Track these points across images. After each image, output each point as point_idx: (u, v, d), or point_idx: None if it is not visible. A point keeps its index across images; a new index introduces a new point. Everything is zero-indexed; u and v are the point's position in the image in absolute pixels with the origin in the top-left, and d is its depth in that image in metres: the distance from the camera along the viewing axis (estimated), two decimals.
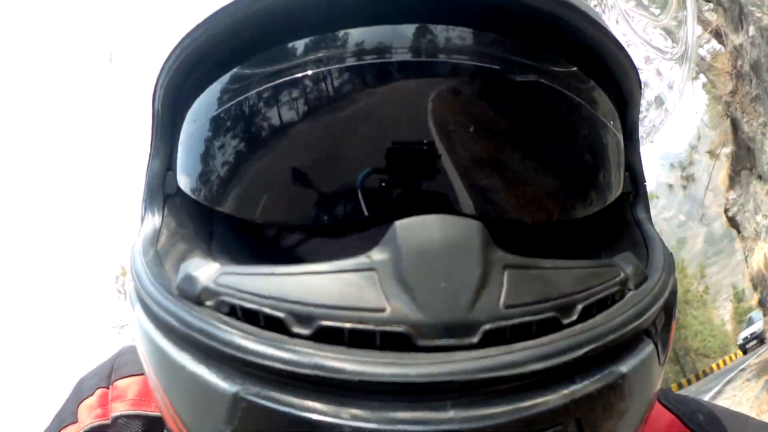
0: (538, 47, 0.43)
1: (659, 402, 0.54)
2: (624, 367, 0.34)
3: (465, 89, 0.42)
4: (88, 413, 0.54)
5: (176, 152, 0.46)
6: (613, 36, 0.45)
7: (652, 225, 0.47)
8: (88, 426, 0.53)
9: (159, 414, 0.52)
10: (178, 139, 0.46)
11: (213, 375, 0.32)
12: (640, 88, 0.49)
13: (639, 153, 0.51)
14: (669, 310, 0.40)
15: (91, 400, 0.56)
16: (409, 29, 0.41)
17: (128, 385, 0.55)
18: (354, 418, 0.29)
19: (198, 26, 0.41)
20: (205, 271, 0.35)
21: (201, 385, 0.32)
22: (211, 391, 0.32)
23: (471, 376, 0.29)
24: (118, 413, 0.53)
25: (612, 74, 0.47)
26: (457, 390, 0.30)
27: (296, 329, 0.31)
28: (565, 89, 0.44)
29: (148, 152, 0.48)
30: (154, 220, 0.44)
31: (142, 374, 0.54)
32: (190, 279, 0.35)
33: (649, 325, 0.37)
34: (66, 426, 0.55)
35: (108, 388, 0.56)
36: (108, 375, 0.57)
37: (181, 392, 0.34)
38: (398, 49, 0.41)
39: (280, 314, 0.32)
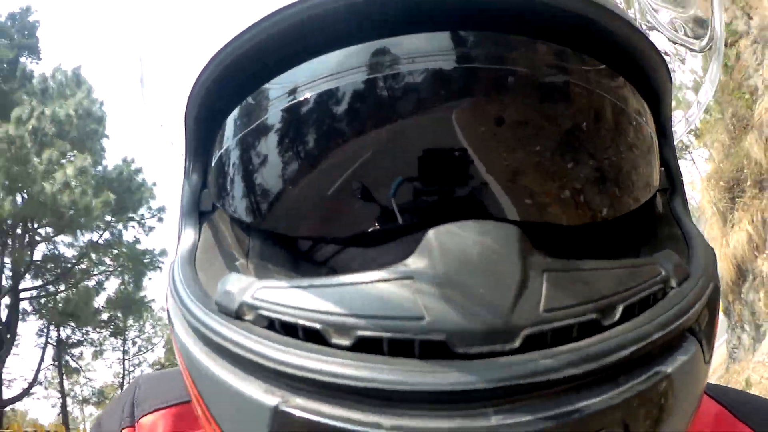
0: (566, 47, 0.43)
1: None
2: (669, 367, 0.33)
3: (494, 93, 0.42)
4: None
5: (210, 169, 0.47)
6: (641, 31, 0.45)
7: (692, 221, 0.46)
8: None
9: None
10: (212, 157, 0.47)
11: (253, 388, 0.32)
12: (671, 83, 0.49)
13: (673, 148, 0.50)
14: (712, 307, 0.39)
15: None
16: (436, 37, 0.41)
17: (155, 422, 0.52)
18: (395, 428, 0.29)
19: (228, 43, 0.42)
20: (243, 286, 0.36)
21: (241, 399, 0.32)
22: (252, 405, 0.32)
23: (512, 382, 0.29)
24: None
25: (642, 70, 0.46)
26: (498, 396, 0.29)
27: (335, 340, 0.31)
28: (596, 88, 0.44)
29: (183, 171, 0.49)
30: (190, 238, 0.45)
31: (166, 407, 0.53)
32: (228, 294, 0.36)
33: (692, 323, 0.36)
34: None
35: (133, 427, 0.53)
36: (130, 412, 0.54)
37: (221, 407, 0.35)
38: (426, 57, 0.41)
39: (318, 326, 0.32)
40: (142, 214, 16.94)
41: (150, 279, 17.87)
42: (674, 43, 0.56)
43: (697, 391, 0.37)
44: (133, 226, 16.94)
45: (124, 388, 0.60)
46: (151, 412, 0.53)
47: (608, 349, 0.31)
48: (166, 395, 0.54)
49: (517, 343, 0.30)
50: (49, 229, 14.86)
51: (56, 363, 17.74)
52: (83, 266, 16.49)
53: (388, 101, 0.41)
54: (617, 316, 0.33)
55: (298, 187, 0.42)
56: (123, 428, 0.53)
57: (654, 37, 0.47)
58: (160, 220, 17.15)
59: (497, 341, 0.30)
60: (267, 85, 0.44)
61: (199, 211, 0.47)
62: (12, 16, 15.43)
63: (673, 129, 0.51)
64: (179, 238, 0.46)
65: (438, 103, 0.41)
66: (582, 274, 0.34)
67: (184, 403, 0.53)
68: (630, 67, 0.46)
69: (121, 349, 20.79)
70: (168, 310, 0.42)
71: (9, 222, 13.87)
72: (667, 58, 0.48)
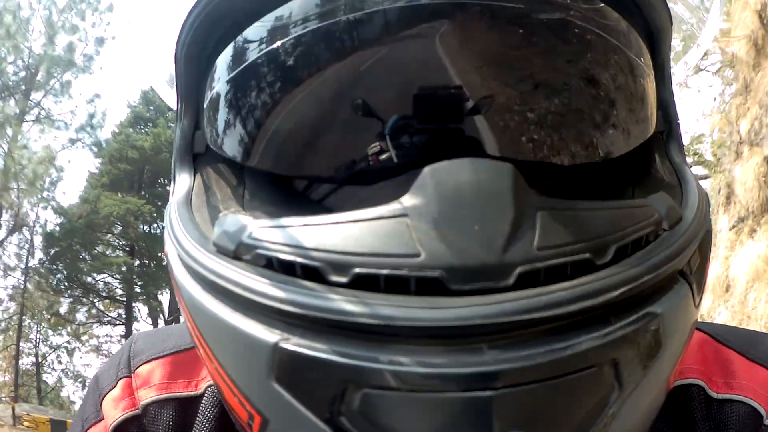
0: None
1: None
2: (659, 308, 0.33)
3: (490, 30, 0.41)
4: (114, 406, 0.52)
5: (202, 111, 0.47)
6: None
7: (687, 164, 0.46)
8: (118, 419, 0.51)
9: (190, 393, 0.51)
10: (204, 99, 0.47)
11: (253, 326, 0.33)
12: (671, 23, 0.48)
13: (671, 90, 0.49)
14: (704, 250, 0.39)
15: (115, 393, 0.53)
16: None
17: (152, 370, 0.53)
18: (392, 362, 0.30)
19: None
20: (240, 226, 0.36)
21: (242, 337, 0.33)
22: (253, 343, 0.33)
23: (505, 318, 0.30)
24: (147, 400, 0.51)
25: (640, 9, 0.45)
26: (492, 332, 0.30)
27: (332, 278, 0.32)
28: (593, 26, 0.43)
29: (176, 114, 0.48)
30: (185, 181, 0.45)
31: (162, 356, 0.53)
32: (225, 235, 0.36)
33: (684, 266, 0.36)
34: (92, 425, 0.52)
35: (130, 377, 0.53)
36: (126, 364, 0.54)
37: (224, 346, 0.36)
38: None
39: (316, 263, 0.32)
40: None
41: None
42: None
43: (686, 333, 0.37)
44: None
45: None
46: (147, 362, 0.53)
47: (600, 288, 0.32)
48: (161, 346, 0.54)
49: (511, 281, 0.31)
50: None
51: None
52: None
53: (381, 38, 0.41)
54: (610, 256, 0.33)
55: (291, 125, 0.42)
56: (120, 378, 0.53)
57: None
58: None
59: (491, 278, 0.30)
60: (257, 23, 0.43)
61: (192, 154, 0.47)
62: None
63: (671, 71, 0.50)
64: (174, 181, 0.46)
65: (432, 40, 0.40)
66: (576, 213, 0.34)
67: (179, 352, 0.54)
68: (628, 5, 0.45)
69: None
70: (166, 254, 0.42)
71: None
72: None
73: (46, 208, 18.09)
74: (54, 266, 18.81)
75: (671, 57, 0.49)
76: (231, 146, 0.44)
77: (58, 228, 18.46)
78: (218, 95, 0.45)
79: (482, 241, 0.31)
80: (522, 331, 0.30)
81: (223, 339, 0.35)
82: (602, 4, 0.43)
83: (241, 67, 0.43)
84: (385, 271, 0.31)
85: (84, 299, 20.02)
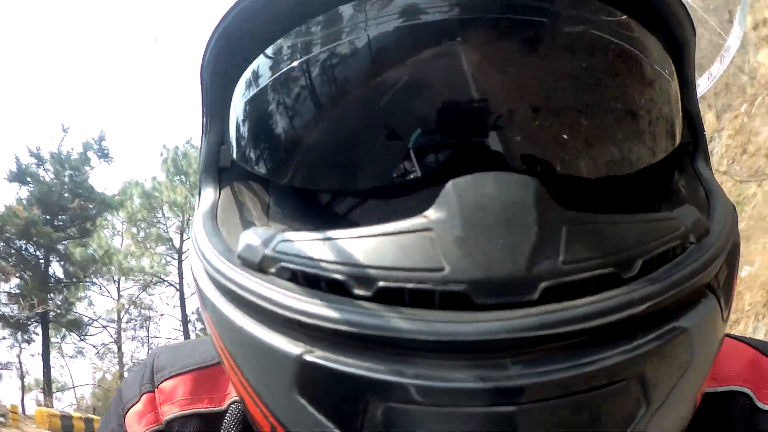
0: None
1: (736, 339, 0.54)
2: (686, 323, 0.33)
3: (514, 44, 0.41)
4: (137, 420, 0.52)
5: (228, 126, 0.47)
6: None
7: (713, 176, 0.46)
8: None
9: (213, 409, 0.52)
10: (229, 113, 0.47)
11: (277, 339, 0.33)
12: (694, 34, 0.47)
13: (696, 102, 0.49)
14: (731, 263, 0.38)
15: (138, 407, 0.53)
16: None
17: (175, 386, 0.53)
18: (416, 376, 0.30)
19: None
20: (265, 239, 0.36)
21: (267, 350, 0.33)
22: (277, 356, 0.33)
23: (530, 333, 0.29)
24: (171, 416, 0.52)
25: (664, 21, 0.45)
26: (516, 347, 0.30)
27: (357, 291, 0.32)
28: (617, 39, 0.43)
29: (201, 128, 0.49)
30: (210, 195, 0.45)
31: (185, 372, 0.54)
32: (250, 248, 0.36)
33: (711, 280, 0.36)
34: None
35: (154, 392, 0.53)
36: (150, 378, 0.54)
37: (248, 359, 0.36)
38: (443, 7, 0.40)
39: (341, 277, 0.32)
40: None
41: None
42: None
43: (714, 349, 0.37)
44: None
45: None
46: (171, 378, 0.54)
47: (626, 302, 0.31)
48: (184, 361, 0.55)
49: (536, 295, 0.30)
50: None
51: None
52: None
53: (405, 53, 0.41)
54: (636, 270, 0.33)
55: (317, 140, 0.42)
56: (144, 393, 0.54)
57: None
58: None
59: (516, 293, 0.30)
60: (281, 41, 0.43)
61: (218, 168, 0.47)
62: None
63: (696, 83, 0.50)
64: (200, 195, 0.47)
65: (456, 55, 0.40)
66: (601, 227, 0.34)
67: (202, 368, 0.54)
68: (653, 18, 0.44)
69: None
70: (191, 266, 0.43)
71: None
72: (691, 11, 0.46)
73: None
74: None
75: (695, 69, 0.49)
76: (256, 161, 0.45)
77: None
78: (245, 110, 0.46)
79: (507, 256, 0.31)
80: (547, 346, 0.30)
81: (246, 351, 0.36)
82: (626, 17, 0.43)
83: (267, 83, 0.44)
84: (409, 285, 0.31)
85: None
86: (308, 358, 0.31)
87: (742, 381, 0.49)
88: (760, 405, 0.48)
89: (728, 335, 0.54)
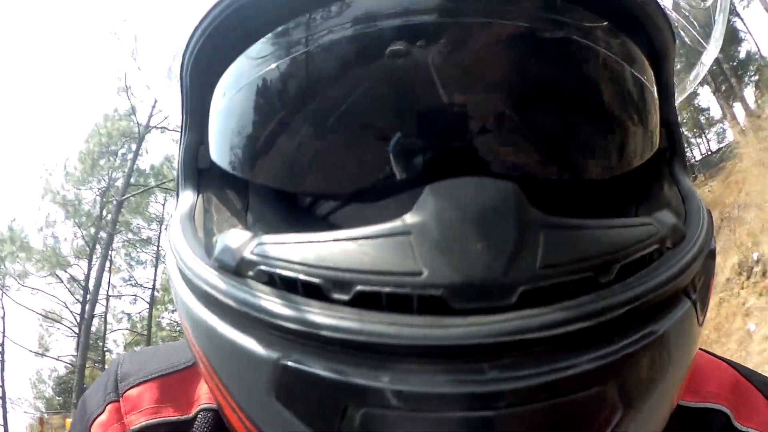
0: (568, 2, 0.42)
1: (721, 360, 0.56)
2: (662, 327, 0.33)
3: (493, 48, 0.41)
4: (103, 431, 0.51)
5: (207, 126, 0.47)
6: None
7: (690, 182, 0.46)
8: None
9: (180, 417, 0.50)
10: (209, 113, 0.47)
11: (254, 343, 0.33)
12: (675, 42, 0.48)
13: (675, 108, 0.49)
14: (707, 269, 0.39)
15: (103, 418, 0.51)
16: None
17: (141, 394, 0.52)
18: (393, 381, 0.29)
19: None
20: (243, 241, 0.36)
21: (243, 354, 0.33)
22: (253, 360, 0.32)
23: (507, 338, 0.29)
24: (137, 426, 0.50)
25: (644, 28, 0.46)
26: (493, 352, 0.30)
27: (334, 295, 0.32)
28: (597, 45, 0.43)
29: (180, 128, 0.48)
30: (189, 195, 0.45)
31: (151, 379, 0.53)
32: (227, 250, 0.36)
33: (687, 285, 0.36)
34: None
35: (118, 401, 0.52)
36: (114, 387, 0.53)
37: (224, 363, 0.35)
38: (421, 10, 0.40)
39: (318, 281, 0.32)
40: None
41: None
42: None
43: (690, 353, 0.37)
44: None
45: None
46: (136, 386, 0.52)
47: (603, 307, 0.31)
48: (149, 368, 0.54)
49: (513, 300, 0.30)
50: None
51: None
52: None
53: (384, 55, 0.41)
54: (613, 274, 0.33)
55: (295, 142, 0.42)
56: (108, 403, 0.52)
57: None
58: None
59: (494, 297, 0.30)
60: (262, 40, 0.43)
61: (197, 169, 0.47)
62: None
63: (675, 89, 0.50)
64: (177, 196, 0.46)
65: (436, 58, 0.40)
66: (579, 232, 0.34)
67: (168, 375, 0.53)
68: (632, 24, 0.45)
69: None
70: (167, 268, 0.42)
71: None
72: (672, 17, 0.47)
73: None
74: None
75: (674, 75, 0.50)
76: (235, 162, 0.44)
77: None
78: (223, 110, 0.45)
79: (485, 260, 0.31)
80: (524, 351, 0.30)
81: (223, 355, 0.35)
82: (606, 23, 0.44)
83: (245, 83, 0.44)
84: (387, 289, 0.31)
85: None
86: (284, 362, 0.31)
87: (721, 400, 0.51)
88: (737, 425, 0.50)
89: (713, 355, 0.56)
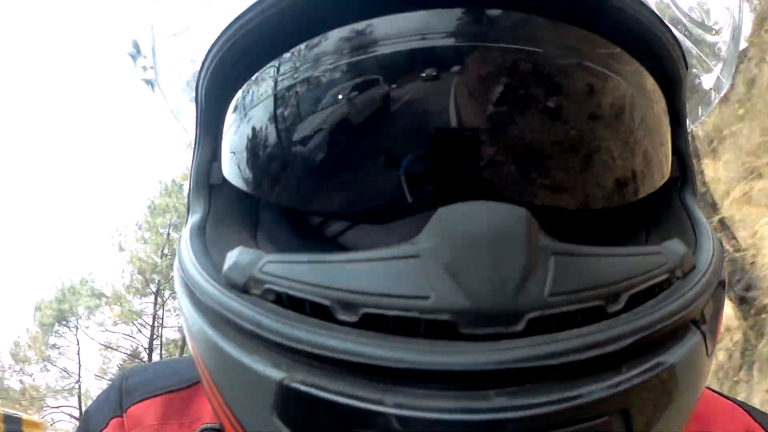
0: (581, 28, 0.42)
1: (734, 402, 0.55)
2: (671, 358, 0.33)
3: (507, 73, 0.41)
4: None
5: (221, 143, 0.47)
6: (657, 16, 0.44)
7: (700, 211, 0.46)
8: None
9: None
10: (222, 129, 0.47)
11: (259, 362, 0.32)
12: (687, 70, 0.48)
13: (686, 137, 0.49)
14: (718, 299, 0.38)
15: None
16: (448, 14, 0.41)
17: (145, 411, 0.52)
18: (397, 405, 0.29)
19: (243, 13, 0.42)
20: (251, 259, 0.36)
21: (248, 373, 0.33)
22: (258, 379, 0.32)
23: (514, 365, 0.29)
24: None
25: (657, 56, 0.46)
26: (500, 379, 0.29)
27: (341, 317, 0.32)
28: (610, 71, 0.43)
29: (193, 144, 0.49)
30: (200, 211, 0.45)
31: (155, 396, 0.52)
32: (236, 268, 0.36)
33: (697, 315, 0.36)
34: None
35: (122, 416, 0.51)
36: (118, 402, 0.52)
37: (228, 380, 0.35)
38: (437, 34, 0.40)
39: (326, 302, 0.32)
40: None
41: None
42: (692, 22, 0.55)
43: (699, 384, 0.37)
44: None
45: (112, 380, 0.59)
46: (140, 401, 0.52)
47: (611, 337, 0.31)
48: (155, 384, 0.54)
49: (521, 326, 0.30)
50: None
51: None
52: None
53: (400, 78, 0.41)
54: (622, 304, 0.33)
55: (308, 162, 0.42)
56: (111, 418, 0.52)
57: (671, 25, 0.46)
58: None
59: (502, 324, 0.30)
60: (277, 61, 0.44)
61: (209, 185, 0.47)
62: None
63: (687, 118, 0.50)
64: (189, 211, 0.46)
65: (450, 82, 0.40)
66: (589, 259, 0.34)
67: (174, 391, 0.53)
68: (645, 52, 0.45)
69: None
70: (175, 283, 0.42)
71: None
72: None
73: None
74: None
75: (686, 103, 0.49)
76: (247, 180, 0.45)
77: None
78: (236, 128, 0.46)
79: (494, 286, 0.30)
80: (531, 378, 0.30)
81: (227, 372, 0.35)
82: (619, 50, 0.44)
83: (259, 102, 0.44)
84: (393, 312, 0.31)
85: None
86: (289, 382, 0.31)
87: None
88: None
89: (726, 397, 0.55)
